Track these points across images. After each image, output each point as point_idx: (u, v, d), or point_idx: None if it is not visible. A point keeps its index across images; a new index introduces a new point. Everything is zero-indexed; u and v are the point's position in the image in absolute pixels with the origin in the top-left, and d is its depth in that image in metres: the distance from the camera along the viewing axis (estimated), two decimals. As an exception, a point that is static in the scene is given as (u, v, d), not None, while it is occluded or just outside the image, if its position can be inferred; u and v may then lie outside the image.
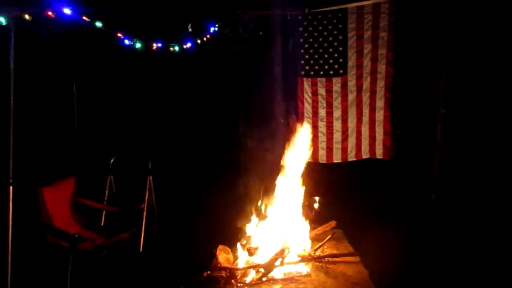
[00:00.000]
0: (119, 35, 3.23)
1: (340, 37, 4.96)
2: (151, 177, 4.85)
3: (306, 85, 5.14)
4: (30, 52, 3.14)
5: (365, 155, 5.10)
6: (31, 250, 3.80)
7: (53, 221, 3.75)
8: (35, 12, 2.50)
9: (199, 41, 4.39)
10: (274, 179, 4.10)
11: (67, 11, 2.65)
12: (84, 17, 2.81)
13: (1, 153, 2.98)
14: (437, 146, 5.08)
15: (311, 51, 5.06)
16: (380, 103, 4.96)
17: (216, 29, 4.86)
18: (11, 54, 2.84)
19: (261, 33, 5.61)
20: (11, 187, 2.93)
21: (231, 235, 4.05)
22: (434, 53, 5.09)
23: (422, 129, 5.70)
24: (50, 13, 2.55)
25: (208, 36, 4.62)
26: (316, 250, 3.60)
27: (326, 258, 3.45)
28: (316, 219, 4.11)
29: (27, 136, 3.83)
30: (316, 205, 4.18)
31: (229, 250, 3.65)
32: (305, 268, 3.33)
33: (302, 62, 5.10)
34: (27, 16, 2.46)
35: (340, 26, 4.93)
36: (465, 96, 5.41)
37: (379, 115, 4.98)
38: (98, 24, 2.95)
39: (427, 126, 5.34)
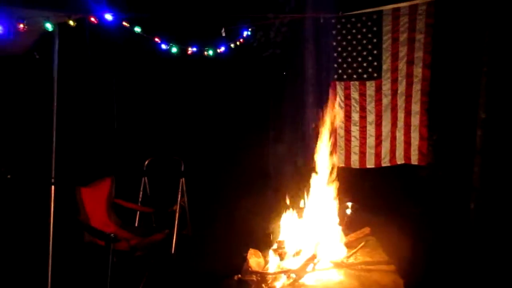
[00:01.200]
0: (157, 39, 3.32)
1: (375, 40, 4.86)
2: (183, 179, 4.92)
3: (339, 89, 5.06)
4: (73, 56, 3.28)
5: (399, 160, 4.95)
6: (70, 248, 3.93)
7: (90, 221, 3.88)
8: (79, 18, 2.61)
9: (232, 46, 4.43)
10: (304, 183, 4.06)
11: (108, 17, 2.75)
12: (124, 23, 2.91)
13: (44, 154, 3.11)
14: (477, 152, 4.86)
15: (345, 54, 4.99)
16: (416, 107, 4.80)
17: (249, 33, 4.88)
18: (55, 60, 2.98)
19: (293, 37, 5.60)
20: (53, 187, 3.05)
21: (262, 240, 4.04)
22: (474, 56, 4.89)
23: (461, 135, 5.49)
24: (93, 19, 2.66)
25: (241, 40, 4.66)
26: (349, 257, 3.53)
27: (360, 266, 3.38)
28: (348, 225, 4.02)
29: (68, 138, 4.00)
30: (348, 211, 4.10)
31: (260, 254, 3.65)
32: (337, 275, 3.27)
33: (335, 65, 5.03)
34: (71, 23, 2.57)
35: (374, 28, 4.84)
36: (506, 100, 5.16)
37: (415, 120, 4.83)
38: (137, 29, 3.04)
39: (466, 132, 5.13)
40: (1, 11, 2.38)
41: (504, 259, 4.11)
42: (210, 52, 4.04)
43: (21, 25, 2.41)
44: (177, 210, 4.72)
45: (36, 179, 3.70)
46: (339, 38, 4.97)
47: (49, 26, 2.51)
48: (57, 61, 2.95)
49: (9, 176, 4.10)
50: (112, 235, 3.51)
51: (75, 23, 2.58)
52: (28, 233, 4.04)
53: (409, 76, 4.79)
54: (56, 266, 3.17)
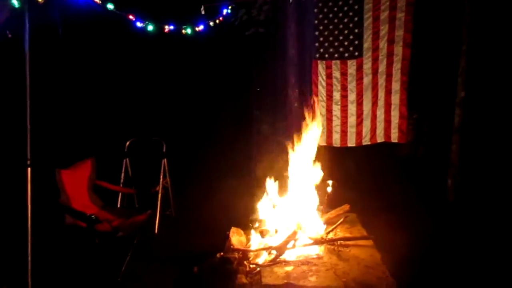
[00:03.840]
0: (131, 17, 3.23)
1: (356, 19, 4.84)
2: (166, 160, 4.91)
3: (321, 68, 5.06)
4: (44, 35, 3.17)
5: (380, 139, 5.02)
6: (51, 231, 3.92)
7: (71, 203, 3.85)
8: (48, -6, 2.52)
9: (212, 24, 4.35)
10: (287, 162, 4.10)
11: (78, -7, 2.67)
12: (95, -1, 2.83)
13: (19, 136, 3.05)
14: (455, 130, 4.97)
15: (326, 33, 4.97)
16: (396, 86, 4.85)
17: (229, 11, 4.80)
18: (26, 38, 2.88)
19: (275, 16, 5.52)
20: (29, 169, 3.01)
21: (245, 218, 4.09)
22: (454, 35, 4.93)
23: (440, 113, 5.57)
24: (61, -5, 2.57)
25: (221, 18, 4.58)
26: (328, 233, 3.62)
27: (339, 241, 3.47)
28: (329, 202, 4.09)
29: (45, 120, 3.92)
30: (329, 189, 4.16)
31: (242, 232, 3.70)
32: (317, 251, 3.35)
33: (317, 44, 5.01)
34: (39, -1, 2.48)
35: (356, 7, 4.81)
36: (485, 79, 5.24)
37: (395, 99, 4.88)
38: (110, 6, 2.95)
39: (445, 110, 5.21)
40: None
41: (481, 233, 4.26)
42: (189, 31, 3.96)
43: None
44: (160, 191, 4.72)
45: (11, 161, 3.63)
46: (320, 16, 4.94)
47: (15, 2, 2.42)
48: (28, 40, 2.85)
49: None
50: (93, 216, 3.51)
51: (43, 0, 2.49)
52: (6, 217, 4.00)
53: (390, 55, 4.82)
54: (37, 250, 3.15)
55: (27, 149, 2.94)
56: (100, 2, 2.85)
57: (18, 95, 3.07)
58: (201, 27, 4.12)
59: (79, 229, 3.72)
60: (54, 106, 4.81)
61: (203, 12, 3.98)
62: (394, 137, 4.95)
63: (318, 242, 3.45)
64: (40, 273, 3.21)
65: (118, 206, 4.64)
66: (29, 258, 3.05)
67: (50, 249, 3.87)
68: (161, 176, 4.82)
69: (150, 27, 3.48)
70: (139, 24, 3.35)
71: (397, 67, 4.82)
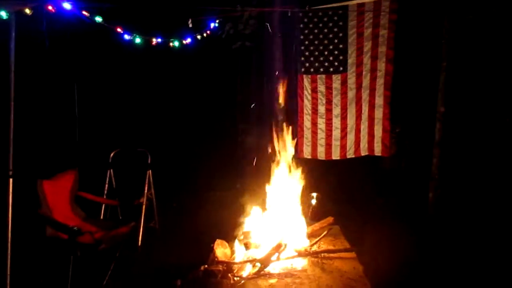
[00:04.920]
0: (119, 30, 3.26)
1: (341, 35, 4.96)
2: (150, 171, 4.88)
3: (306, 82, 5.15)
4: (31, 47, 3.16)
5: (363, 152, 5.11)
6: (31, 242, 3.84)
7: (53, 214, 3.78)
8: (36, 6, 2.52)
9: (199, 37, 4.41)
10: (270, 176, 4.13)
11: (67, 5, 2.67)
12: (84, 12, 2.84)
13: (1, 146, 3.01)
14: (435, 144, 5.09)
15: (311, 48, 5.07)
16: (379, 101, 4.96)
17: (217, 25, 4.87)
18: (11, 48, 2.87)
19: (261, 30, 5.62)
20: (11, 179, 2.96)
21: (229, 231, 4.09)
22: (433, 52, 5.10)
23: (421, 127, 5.71)
24: (50, 7, 2.58)
25: (208, 32, 4.64)
26: (312, 245, 3.64)
27: (322, 254, 3.49)
28: (313, 215, 4.13)
29: (28, 130, 3.86)
30: (313, 201, 4.21)
31: (227, 244, 3.69)
32: (301, 263, 3.37)
33: (302, 59, 5.11)
34: (27, 11, 2.48)
35: (340, 23, 4.94)
36: (464, 95, 5.41)
37: (379, 113, 4.99)
38: (98, 19, 2.97)
39: (426, 124, 5.35)
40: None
41: (461, 246, 4.35)
42: (176, 44, 4.00)
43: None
44: (144, 203, 4.68)
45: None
46: (306, 31, 5.05)
47: (3, 14, 2.42)
48: (14, 51, 2.84)
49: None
50: (75, 228, 3.45)
51: (32, 11, 2.50)
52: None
53: (373, 70, 4.94)
54: (16, 262, 3.08)
55: (9, 159, 2.90)
56: (89, 14, 2.87)
57: (0, 105, 3.05)
58: (188, 40, 4.17)
59: (60, 241, 3.65)
60: (37, 116, 4.75)
61: (190, 25, 4.03)
62: (378, 151, 5.05)
63: (302, 254, 3.47)
64: (19, 286, 3.14)
65: (101, 217, 4.58)
66: (8, 271, 2.98)
67: (30, 261, 3.78)
68: (146, 188, 4.78)
69: (137, 40, 3.51)
70: (126, 37, 3.37)
71: (380, 82, 4.94)
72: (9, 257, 2.99)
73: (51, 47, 2.63)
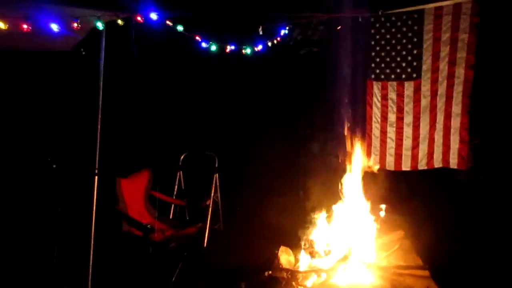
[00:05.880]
0: (197, 38, 3.41)
1: (415, 39, 4.73)
2: (217, 175, 5.02)
3: (376, 89, 4.98)
4: (118, 54, 3.42)
5: (437, 164, 4.81)
6: (110, 236, 4.11)
7: (128, 211, 4.04)
8: (126, 17, 2.73)
9: (269, 44, 4.46)
10: (338, 184, 4.04)
11: (153, 16, 2.87)
12: (167, 21, 3.02)
13: (88, 147, 3.28)
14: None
15: (383, 54, 4.90)
16: (457, 109, 4.65)
17: (286, 31, 4.89)
18: (101, 57, 3.13)
19: (330, 35, 5.54)
20: (96, 177, 3.21)
21: (292, 238, 4.06)
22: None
23: (504, 139, 5.24)
24: (139, 18, 2.78)
25: (278, 38, 4.67)
26: (382, 259, 3.49)
27: (392, 269, 3.33)
28: (382, 227, 3.96)
29: (111, 132, 4.18)
30: (382, 213, 4.04)
31: (291, 252, 3.68)
32: (369, 277, 3.24)
33: (373, 65, 4.95)
34: (120, 22, 2.70)
35: (415, 28, 4.71)
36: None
37: (455, 122, 4.67)
38: (180, 28, 3.15)
39: (509, 136, 4.90)
40: (57, 10, 2.53)
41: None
42: (248, 50, 4.08)
43: (75, 24, 2.57)
44: (210, 205, 4.82)
45: (80, 169, 3.90)
46: (377, 37, 4.89)
47: (99, 25, 2.65)
48: (104, 58, 3.09)
49: (54, 166, 4.34)
50: (149, 226, 3.65)
51: (123, 22, 2.70)
52: (71, 222, 4.27)
53: (450, 77, 4.64)
54: (97, 254, 3.33)
55: (96, 159, 3.15)
56: (172, 24, 3.04)
57: (88, 109, 3.32)
58: (259, 47, 4.24)
59: (134, 237, 3.88)
60: (119, 120, 5.12)
61: (261, 33, 4.10)
62: (453, 163, 4.72)
63: (370, 268, 3.34)
64: (98, 276, 3.38)
65: (171, 217, 4.79)
66: (90, 262, 3.22)
67: (108, 254, 4.05)
68: (212, 190, 4.93)
69: (213, 47, 3.64)
70: (204, 45, 3.52)
71: (458, 89, 4.62)
72: (91, 248, 3.23)
73: (137, 55, 2.82)
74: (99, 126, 3.14)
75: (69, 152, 4.74)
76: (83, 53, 3.95)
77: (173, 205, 4.85)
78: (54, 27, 2.45)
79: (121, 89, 4.70)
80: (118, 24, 2.70)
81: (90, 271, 3.23)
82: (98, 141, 3.13)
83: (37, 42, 3.11)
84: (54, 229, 4.24)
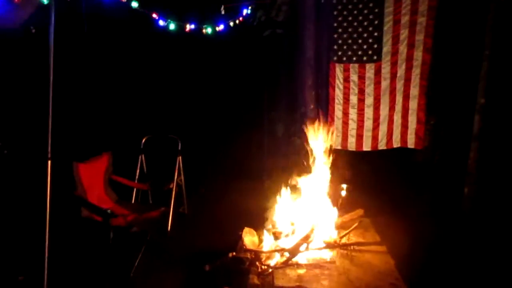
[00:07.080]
0: (154, 15, 3.28)
1: (376, 22, 4.80)
2: (180, 158, 4.94)
3: (338, 71, 5.03)
4: (69, 32, 3.23)
5: (396, 144, 4.97)
6: (67, 223, 3.98)
7: (87, 196, 3.90)
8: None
9: (231, 24, 4.37)
10: (301, 164, 4.09)
11: (105, -10, 2.71)
12: (121, -4, 2.87)
13: (41, 130, 3.11)
14: (473, 138, 4.87)
15: (345, 36, 4.94)
16: (414, 91, 4.80)
17: (249, 12, 4.81)
18: (51, 34, 2.94)
19: (293, 17, 5.50)
20: (49, 162, 3.06)
21: (257, 219, 4.10)
22: (475, 40, 4.84)
23: (458, 120, 5.47)
24: (89, -7, 2.62)
25: (240, 18, 4.59)
26: (342, 237, 3.59)
27: (352, 246, 3.44)
28: (343, 206, 4.07)
29: (65, 115, 3.99)
30: (343, 193, 4.14)
31: (255, 233, 3.71)
32: (330, 255, 3.33)
33: (335, 47, 4.98)
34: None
35: (376, 10, 4.77)
36: (507, 86, 5.12)
37: (413, 104, 4.83)
38: (134, 4, 3.00)
39: (464, 117, 5.12)
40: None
41: (497, 243, 4.18)
42: (209, 30, 3.99)
43: (16, -4, 2.38)
44: (174, 188, 4.76)
45: (32, 154, 3.71)
46: (339, 19, 4.91)
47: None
48: (53, 35, 2.91)
49: (5, 152, 4.11)
50: (109, 210, 3.55)
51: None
52: (24, 208, 4.08)
53: (409, 59, 4.76)
54: (54, 241, 3.21)
55: (48, 143, 3.00)
56: (125, 0, 2.90)
57: (39, 91, 3.14)
58: (221, 27, 4.14)
59: (94, 223, 3.77)
60: (74, 101, 4.89)
61: (223, 12, 4.00)
62: (411, 143, 4.90)
63: (331, 246, 3.43)
64: (55, 264, 3.27)
65: (133, 201, 4.69)
66: (46, 249, 3.10)
67: (66, 241, 3.93)
68: (176, 174, 4.86)
69: (172, 26, 3.52)
70: (161, 23, 3.39)
71: (416, 72, 4.76)
72: (47, 235, 3.11)
73: (89, 33, 2.67)
74: (50, 108, 2.97)
75: (21, 136, 4.50)
76: (33, 31, 3.72)
77: (135, 189, 4.74)
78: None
79: (77, 69, 4.47)
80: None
81: (46, 259, 3.10)
82: (50, 124, 2.97)
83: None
84: (8, 217, 4.06)
